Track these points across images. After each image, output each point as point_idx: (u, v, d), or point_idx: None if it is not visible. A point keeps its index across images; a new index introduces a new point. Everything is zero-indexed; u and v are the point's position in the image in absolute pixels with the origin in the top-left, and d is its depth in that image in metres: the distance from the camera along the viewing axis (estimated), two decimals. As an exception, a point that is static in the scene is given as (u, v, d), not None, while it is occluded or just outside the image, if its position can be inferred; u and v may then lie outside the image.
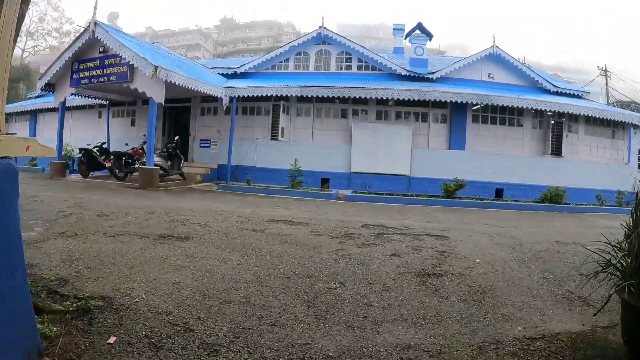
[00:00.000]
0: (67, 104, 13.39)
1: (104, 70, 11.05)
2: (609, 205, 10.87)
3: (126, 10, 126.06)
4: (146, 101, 11.45)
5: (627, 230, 2.34)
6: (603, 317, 2.71)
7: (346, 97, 12.39)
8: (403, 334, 2.50)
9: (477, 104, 12.29)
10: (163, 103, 10.57)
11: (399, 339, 2.43)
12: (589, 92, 16.14)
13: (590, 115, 12.44)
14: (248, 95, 12.60)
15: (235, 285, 3.24)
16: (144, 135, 11.75)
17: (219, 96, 12.47)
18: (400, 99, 12.01)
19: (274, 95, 12.47)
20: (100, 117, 16.53)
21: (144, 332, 2.38)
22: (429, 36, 15.82)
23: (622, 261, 2.24)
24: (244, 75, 15.20)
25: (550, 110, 12.26)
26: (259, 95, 12.51)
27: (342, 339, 2.42)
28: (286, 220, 6.17)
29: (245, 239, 4.79)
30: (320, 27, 14.77)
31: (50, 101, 14.05)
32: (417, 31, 15.66)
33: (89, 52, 11.37)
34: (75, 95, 13.18)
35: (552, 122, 12.43)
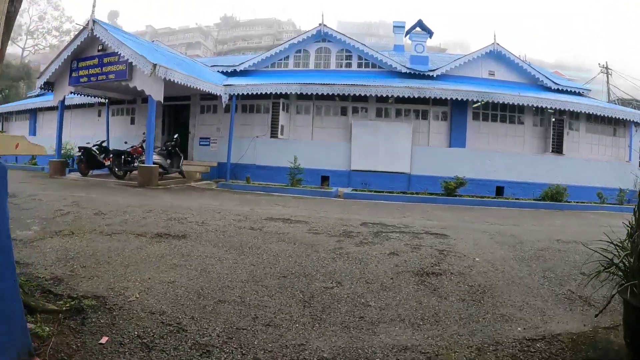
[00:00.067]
0: (66, 103, 13.37)
1: (103, 69, 11.00)
2: (610, 203, 10.81)
3: (126, 8, 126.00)
4: (146, 99, 11.41)
5: (629, 229, 2.29)
6: (604, 318, 2.66)
7: (346, 94, 12.33)
8: (400, 335, 2.45)
9: (477, 102, 12.22)
10: (162, 101, 10.52)
11: (395, 340, 2.38)
12: (590, 90, 16.06)
13: (591, 112, 12.35)
14: (247, 93, 12.55)
15: (230, 284, 3.20)
16: (144, 133, 11.71)
17: (218, 94, 12.42)
18: (401, 96, 11.93)
19: (273, 93, 12.42)
20: (99, 115, 16.50)
21: (136, 332, 2.35)
22: (430, 33, 15.73)
23: (624, 261, 2.19)
24: (243, 73, 15.15)
25: (551, 108, 12.18)
26: (259, 93, 12.46)
27: (337, 339, 2.37)
28: (284, 219, 6.13)
29: (242, 237, 4.74)
30: (320, 24, 14.69)
31: (50, 100, 14.01)
32: (418, 28, 15.56)
33: (88, 51, 11.33)
34: (74, 94, 13.15)
35: (553, 119, 12.35)
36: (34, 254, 3.78)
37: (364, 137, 12.41)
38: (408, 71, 14.04)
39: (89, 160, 12.34)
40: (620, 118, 12.85)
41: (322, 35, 14.91)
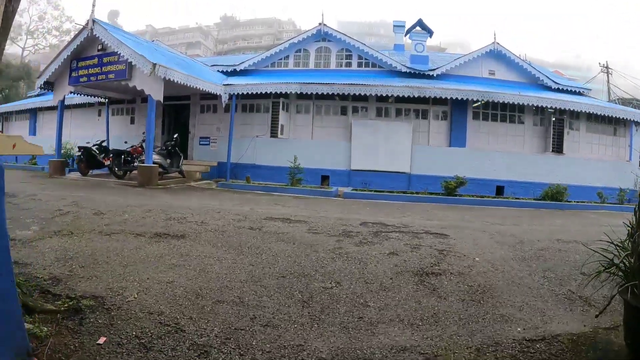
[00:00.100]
0: (66, 102, 13.35)
1: (103, 68, 10.99)
2: (610, 203, 10.79)
3: (127, 8, 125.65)
4: (145, 99, 11.40)
5: (630, 229, 2.28)
6: (605, 318, 2.64)
7: (346, 94, 12.31)
8: (399, 336, 2.44)
9: (477, 101, 12.21)
10: (162, 101, 10.51)
11: (394, 340, 2.37)
12: (590, 89, 16.04)
13: (591, 112, 12.33)
14: (247, 93, 12.53)
15: (229, 284, 3.18)
16: (143, 133, 11.70)
17: (218, 94, 12.40)
18: (401, 95, 11.91)
19: (273, 92, 12.41)
20: (99, 115, 16.48)
21: (134, 333, 2.34)
22: (430, 33, 15.71)
23: (625, 261, 2.17)
24: (243, 73, 15.14)
25: (551, 107, 12.16)
26: (259, 93, 12.45)
27: (336, 340, 2.36)
28: (284, 218, 6.12)
29: (241, 237, 4.73)
30: (320, 24, 14.67)
31: (50, 100, 14.00)
32: (418, 28, 15.55)
33: (88, 50, 11.31)
34: (74, 94, 13.14)
35: (554, 119, 12.32)
36: (32, 253, 3.78)
37: (364, 136, 12.40)
38: (408, 70, 14.02)
39: (89, 160, 12.33)
40: (621, 117, 12.83)
41: (322, 35, 14.89)
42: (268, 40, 61.83)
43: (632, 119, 12.93)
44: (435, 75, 13.88)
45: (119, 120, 15.74)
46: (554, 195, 10.36)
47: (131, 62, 10.15)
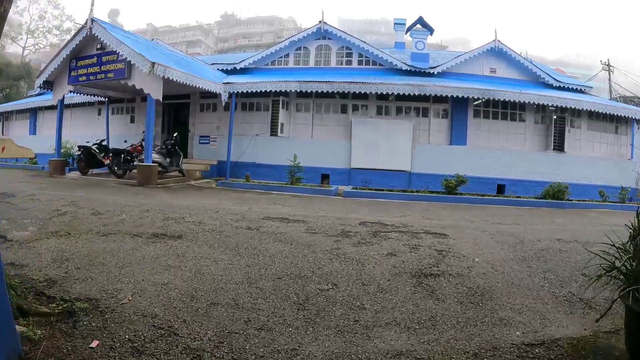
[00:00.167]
0: (66, 102, 13.33)
1: (102, 67, 10.95)
2: (611, 202, 10.72)
3: (127, 7, 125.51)
4: (145, 98, 11.35)
5: (632, 231, 2.23)
6: (605, 321, 2.59)
7: (346, 92, 12.26)
8: (395, 340, 2.40)
9: (478, 99, 12.13)
10: (161, 99, 10.47)
11: (390, 345, 2.33)
12: (591, 87, 15.95)
13: (593, 110, 12.23)
14: (247, 91, 12.48)
15: (224, 286, 3.15)
16: (143, 132, 11.67)
17: (217, 92, 12.36)
18: (401, 93, 11.84)
19: (273, 90, 12.36)
20: (99, 114, 16.46)
21: (127, 336, 2.32)
22: (430, 31, 15.63)
23: (627, 264, 2.12)
24: (243, 71, 15.09)
25: (552, 105, 12.07)
26: (258, 91, 12.40)
27: (331, 344, 2.32)
28: (282, 218, 6.08)
29: (238, 237, 4.70)
30: (320, 22, 14.60)
31: (50, 99, 13.96)
32: (418, 25, 15.47)
33: (87, 50, 11.27)
34: (73, 93, 13.11)
35: (555, 117, 12.25)
36: (29, 255, 3.76)
37: (364, 134, 12.34)
38: (408, 68, 13.95)
39: (89, 159, 12.31)
40: (622, 116, 12.74)
41: (322, 33, 14.82)
42: (269, 38, 61.71)
43: (633, 117, 12.84)
44: (435, 73, 13.81)
45: (118, 119, 15.71)
46: (555, 194, 10.29)
47: (130, 61, 10.11)
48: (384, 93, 12.01)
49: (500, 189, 11.88)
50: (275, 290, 3.12)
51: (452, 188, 10.35)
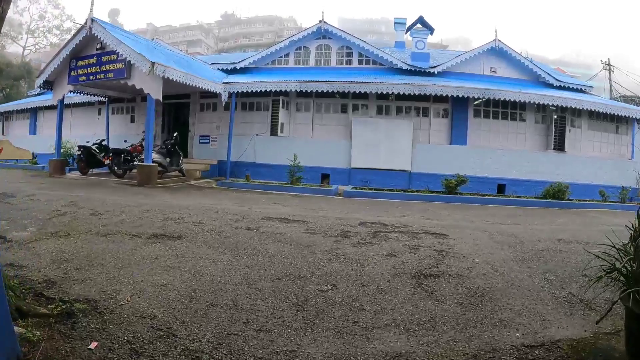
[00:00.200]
0: (66, 101, 13.31)
1: (102, 67, 10.94)
2: (612, 201, 10.71)
3: (127, 6, 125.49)
4: (145, 98, 11.36)
5: (632, 232, 2.21)
6: (606, 322, 2.58)
7: (346, 91, 12.25)
8: (394, 341, 2.39)
9: (479, 99, 12.11)
10: (161, 99, 10.46)
11: (389, 346, 2.32)
12: (592, 87, 15.90)
13: (593, 109, 12.21)
14: (247, 91, 12.47)
15: (223, 287, 3.14)
16: (143, 132, 11.66)
17: (217, 92, 12.35)
18: (401, 93, 11.83)
19: (273, 90, 12.35)
20: (99, 114, 16.45)
21: (126, 338, 2.32)
22: (430, 30, 15.61)
23: (627, 266, 2.11)
24: (243, 71, 15.08)
25: (553, 105, 12.05)
26: (258, 91, 12.39)
27: (329, 346, 2.31)
28: (282, 218, 6.07)
29: (238, 238, 4.69)
30: (320, 21, 14.58)
31: (51, 99, 13.97)
32: (418, 25, 15.45)
33: (87, 49, 11.27)
34: (73, 93, 13.10)
35: (555, 116, 12.23)
36: (29, 255, 3.76)
37: (364, 134, 12.33)
38: (409, 68, 13.93)
39: (89, 159, 12.31)
40: (623, 115, 12.72)
41: (322, 32, 14.80)
42: (269, 37, 61.63)
43: (634, 117, 12.82)
44: (436, 72, 13.79)
45: (119, 119, 15.71)
46: (556, 194, 10.27)
47: (130, 61, 10.10)
48: (384, 93, 12.00)
49: (501, 189, 11.86)
50: (274, 291, 3.11)
51: (452, 188, 10.34)
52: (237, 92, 12.55)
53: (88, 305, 2.71)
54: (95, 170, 12.81)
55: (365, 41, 15.00)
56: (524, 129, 12.59)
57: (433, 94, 11.76)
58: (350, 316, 2.71)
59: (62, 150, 13.10)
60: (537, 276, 3.72)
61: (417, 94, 11.71)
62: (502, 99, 11.82)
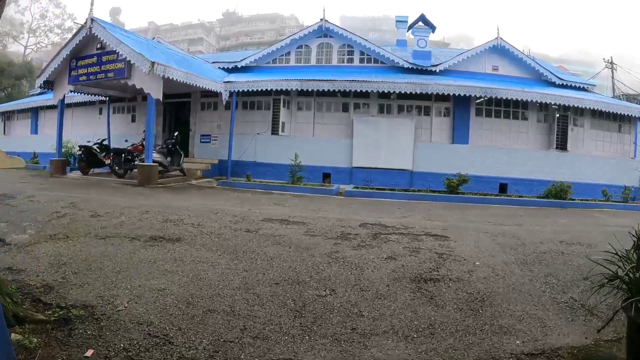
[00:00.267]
0: (67, 101, 13.31)
1: (102, 67, 10.93)
2: (614, 201, 10.63)
3: (128, 5, 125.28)
4: (146, 97, 11.35)
5: (635, 239, 2.17)
6: (607, 328, 2.54)
7: (347, 90, 12.19)
8: (392, 349, 2.36)
9: (480, 97, 12.03)
10: (161, 99, 10.45)
11: (387, 354, 2.29)
12: (594, 85, 15.76)
13: (596, 108, 12.12)
14: (248, 90, 12.44)
15: (221, 292, 3.12)
16: (144, 131, 11.65)
17: (218, 91, 12.32)
18: (403, 92, 11.77)
19: (274, 89, 12.30)
20: (100, 113, 16.46)
21: (122, 345, 2.31)
22: (432, 28, 15.51)
23: (629, 274, 2.07)
24: (245, 70, 15.03)
25: (555, 104, 11.97)
26: (259, 90, 12.35)
27: (327, 354, 2.29)
28: (282, 220, 6.04)
29: (237, 240, 4.67)
30: (321, 19, 14.51)
31: (52, 98, 13.98)
32: (420, 23, 15.35)
33: (87, 49, 11.25)
34: (74, 92, 13.09)
35: (558, 115, 12.14)
36: (27, 259, 3.75)
37: (365, 133, 12.29)
38: (410, 66, 13.84)
39: (90, 158, 12.32)
40: (626, 114, 12.62)
41: (323, 31, 14.73)
42: (271, 35, 61.49)
43: (637, 116, 12.72)
44: (437, 71, 13.70)
45: (119, 119, 15.70)
46: (558, 193, 10.20)
47: (130, 61, 10.08)
48: (386, 91, 11.94)
49: (503, 188, 11.80)
50: (272, 296, 3.08)
51: (454, 187, 10.28)
52: (238, 91, 12.52)
53: (85, 312, 2.69)
54: (96, 170, 12.82)
55: (366, 39, 14.92)
56: (526, 128, 12.51)
57: (435, 93, 11.70)
58: (348, 323, 2.69)
59: (63, 150, 13.11)
60: (538, 280, 3.68)
61: (418, 92, 11.65)
62: (504, 98, 11.74)
